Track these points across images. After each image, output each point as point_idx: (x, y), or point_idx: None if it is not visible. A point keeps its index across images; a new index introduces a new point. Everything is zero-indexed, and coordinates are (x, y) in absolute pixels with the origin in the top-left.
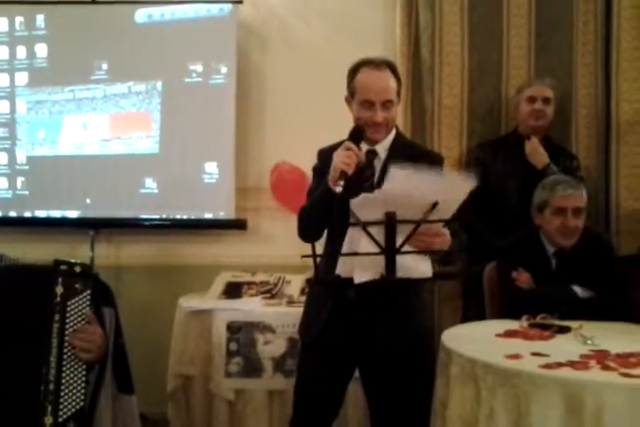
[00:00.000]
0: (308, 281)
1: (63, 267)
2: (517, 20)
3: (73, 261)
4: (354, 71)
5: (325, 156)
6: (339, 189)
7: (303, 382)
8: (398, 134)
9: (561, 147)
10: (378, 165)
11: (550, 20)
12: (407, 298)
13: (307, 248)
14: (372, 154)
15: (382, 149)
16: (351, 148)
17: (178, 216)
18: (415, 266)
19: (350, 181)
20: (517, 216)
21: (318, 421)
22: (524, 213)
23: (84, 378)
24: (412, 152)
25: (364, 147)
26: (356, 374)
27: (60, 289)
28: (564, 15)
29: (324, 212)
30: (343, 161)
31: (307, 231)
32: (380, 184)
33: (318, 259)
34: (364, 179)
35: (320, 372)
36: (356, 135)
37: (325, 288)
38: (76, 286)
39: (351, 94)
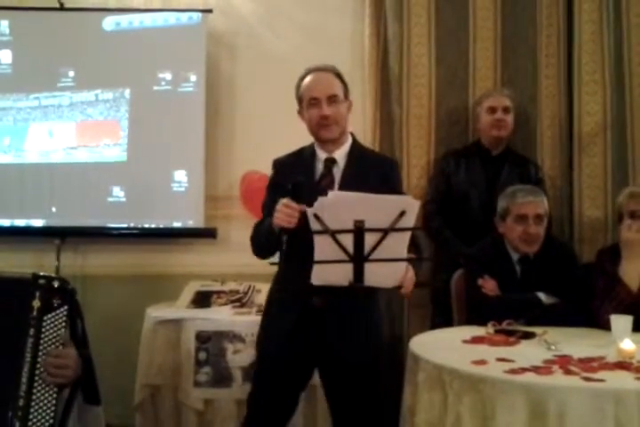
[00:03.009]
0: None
1: (42, 281)
2: (484, 32)
3: (52, 275)
4: (300, 82)
5: (281, 166)
6: (283, 242)
7: (261, 392)
8: (355, 141)
9: (525, 157)
10: (337, 172)
11: (515, 33)
12: (373, 305)
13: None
14: (330, 162)
15: (340, 156)
16: (289, 205)
17: (146, 225)
18: (385, 274)
19: (312, 191)
20: (480, 224)
21: None
22: (487, 220)
23: (55, 395)
24: (368, 158)
25: (323, 155)
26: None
27: (36, 303)
28: (528, 28)
29: (272, 246)
30: (283, 219)
31: (260, 252)
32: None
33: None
34: (325, 187)
35: (279, 383)
36: (296, 191)
37: (291, 296)
38: (54, 301)
39: (299, 101)
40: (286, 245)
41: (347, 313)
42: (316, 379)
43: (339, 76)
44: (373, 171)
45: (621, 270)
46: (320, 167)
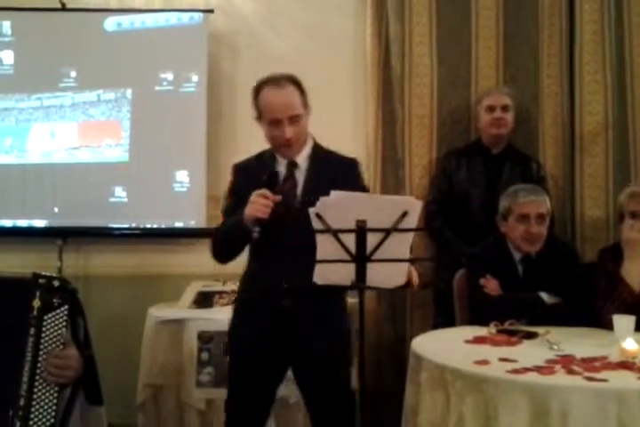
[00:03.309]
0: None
1: (42, 280)
2: (485, 31)
3: (52, 275)
4: (256, 91)
5: (241, 170)
6: (255, 235)
7: (238, 394)
8: (315, 144)
9: (526, 155)
10: (300, 176)
11: (517, 32)
12: (340, 305)
13: None
14: (292, 166)
15: (302, 159)
16: (266, 195)
17: (148, 225)
18: (387, 275)
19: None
20: (481, 223)
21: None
22: (488, 220)
23: (56, 394)
24: (329, 160)
25: (284, 161)
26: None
27: (37, 303)
28: (530, 28)
29: (239, 244)
30: (258, 209)
31: (225, 253)
32: (305, 195)
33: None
34: (287, 191)
35: (254, 383)
36: (272, 181)
37: (261, 296)
38: (54, 300)
39: (260, 116)
40: (260, 238)
41: (317, 313)
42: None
43: (296, 83)
44: (336, 172)
45: (623, 270)
46: (282, 171)
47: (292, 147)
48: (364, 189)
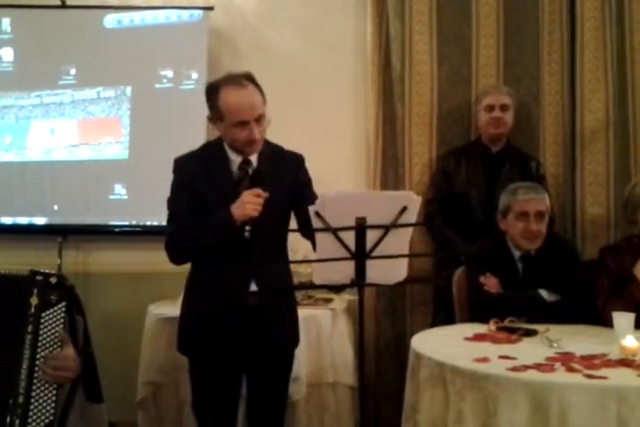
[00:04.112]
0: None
1: (39, 277)
2: (486, 29)
3: (49, 271)
4: (214, 91)
5: (187, 166)
6: (247, 235)
7: (208, 392)
8: (265, 140)
9: (526, 154)
10: (250, 171)
11: (518, 29)
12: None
13: None
14: (246, 164)
15: (253, 157)
16: (260, 195)
17: (148, 223)
18: (387, 271)
19: (232, 194)
20: (480, 222)
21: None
22: (488, 219)
23: (54, 391)
24: (279, 157)
25: (236, 157)
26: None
27: (34, 300)
28: (530, 25)
29: (219, 242)
30: (255, 209)
31: (190, 256)
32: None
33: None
34: (243, 190)
35: (222, 381)
36: (258, 178)
37: (223, 299)
38: (52, 297)
39: (219, 117)
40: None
41: (277, 307)
42: None
43: (254, 81)
44: (286, 168)
45: (637, 269)
46: (235, 170)
47: (257, 146)
48: (309, 181)
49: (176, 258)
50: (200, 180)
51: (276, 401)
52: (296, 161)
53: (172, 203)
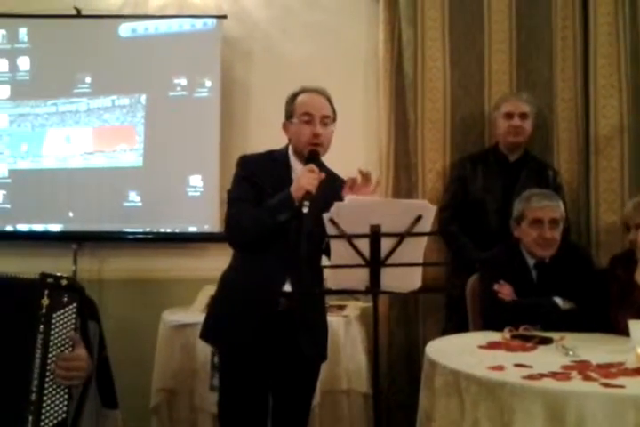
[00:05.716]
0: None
1: (50, 280)
2: (499, 35)
3: (59, 274)
4: (293, 97)
5: (250, 164)
6: (305, 210)
7: (234, 393)
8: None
9: (543, 162)
10: None
11: (531, 35)
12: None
13: None
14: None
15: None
16: (314, 170)
17: (162, 230)
18: (401, 279)
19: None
20: (496, 229)
21: None
22: (503, 226)
23: (66, 390)
24: (330, 176)
25: (299, 166)
26: None
27: (45, 301)
28: (543, 30)
29: (279, 224)
30: (310, 182)
31: (247, 238)
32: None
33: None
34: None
35: (246, 383)
36: (313, 158)
37: (256, 297)
38: (63, 299)
39: (290, 115)
40: (308, 209)
41: (306, 312)
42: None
43: (330, 100)
44: (331, 188)
45: (637, 276)
46: (294, 176)
47: (318, 147)
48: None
49: (237, 236)
50: (261, 175)
51: (299, 415)
52: (338, 182)
53: (233, 191)
